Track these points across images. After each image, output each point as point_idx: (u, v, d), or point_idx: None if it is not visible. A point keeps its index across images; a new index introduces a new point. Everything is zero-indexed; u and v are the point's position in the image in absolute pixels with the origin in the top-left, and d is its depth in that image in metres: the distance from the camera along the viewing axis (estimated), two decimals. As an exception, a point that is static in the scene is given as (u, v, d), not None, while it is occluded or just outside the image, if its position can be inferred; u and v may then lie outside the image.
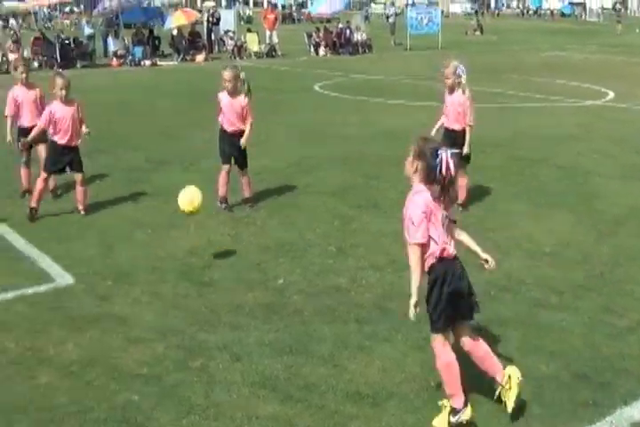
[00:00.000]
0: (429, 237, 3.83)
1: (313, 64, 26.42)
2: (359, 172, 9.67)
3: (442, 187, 3.86)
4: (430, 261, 3.87)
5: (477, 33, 45.34)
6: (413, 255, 3.83)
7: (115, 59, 26.54)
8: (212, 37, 31.50)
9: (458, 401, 3.88)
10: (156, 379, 4.46)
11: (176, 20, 29.23)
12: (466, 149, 7.60)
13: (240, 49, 29.21)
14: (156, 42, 30.20)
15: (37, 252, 6.68)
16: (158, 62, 26.96)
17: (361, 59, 29.08)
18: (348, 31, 32.09)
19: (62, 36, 26.64)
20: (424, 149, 3.88)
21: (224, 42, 30.96)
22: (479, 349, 4.05)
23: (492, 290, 5.68)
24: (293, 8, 72.44)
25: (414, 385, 4.37)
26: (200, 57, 28.18)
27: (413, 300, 3.81)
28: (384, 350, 4.79)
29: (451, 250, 3.88)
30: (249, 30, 30.66)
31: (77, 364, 4.66)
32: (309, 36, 31.77)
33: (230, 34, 30.49)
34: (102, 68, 25.37)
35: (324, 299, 5.63)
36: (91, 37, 28.64)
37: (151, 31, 31.01)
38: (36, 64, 25.30)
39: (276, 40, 30.38)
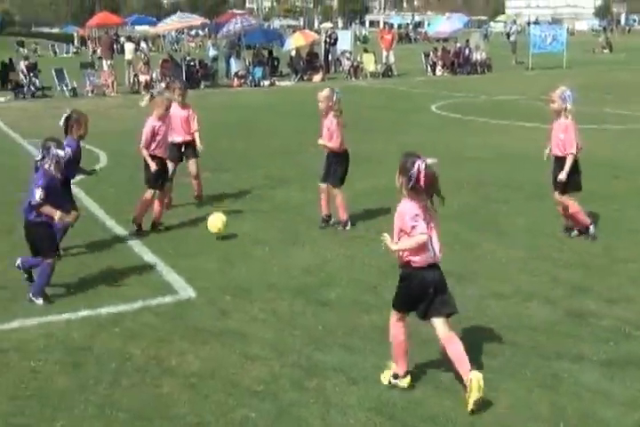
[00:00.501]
0: None
1: (430, 84, 26.32)
2: (480, 195, 9.49)
3: (426, 195, 4.40)
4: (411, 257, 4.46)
5: (606, 51, 43.87)
6: (415, 244, 4.38)
7: (236, 79, 27.42)
8: (330, 58, 32.06)
9: (399, 369, 4.62)
10: (273, 397, 4.54)
11: (295, 42, 29.89)
12: (561, 176, 7.34)
13: (356, 69, 29.52)
14: (275, 62, 31.03)
15: (162, 265, 6.98)
16: (277, 82, 27.66)
17: (480, 78, 28.74)
18: (466, 50, 31.80)
19: (188, 58, 27.81)
20: (404, 164, 4.41)
21: (341, 62, 31.39)
22: (451, 346, 4.48)
23: (627, 327, 5.41)
24: (410, 28, 72.48)
25: (541, 425, 4.20)
26: (317, 77, 28.69)
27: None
28: (509, 386, 4.64)
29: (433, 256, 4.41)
30: (365, 50, 30.93)
31: (197, 376, 4.83)
32: (426, 55, 31.71)
33: (347, 54, 30.87)
34: (224, 89, 26.25)
35: (444, 325, 5.55)
36: (214, 59, 29.76)
37: (270, 52, 31.90)
38: (163, 85, 26.51)
39: (392, 60, 30.49)
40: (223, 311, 5.87)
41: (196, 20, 32.49)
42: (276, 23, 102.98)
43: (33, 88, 24.30)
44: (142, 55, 27.96)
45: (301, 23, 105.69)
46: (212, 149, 12.32)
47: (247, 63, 28.62)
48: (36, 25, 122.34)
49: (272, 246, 7.48)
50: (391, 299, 6.08)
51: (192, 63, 27.48)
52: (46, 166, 5.93)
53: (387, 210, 8.69)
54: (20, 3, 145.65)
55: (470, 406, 4.25)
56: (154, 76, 26.47)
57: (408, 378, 4.61)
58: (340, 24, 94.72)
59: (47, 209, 5.91)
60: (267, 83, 27.10)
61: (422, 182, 4.30)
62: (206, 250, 7.43)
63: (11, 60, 26.94)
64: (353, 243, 7.55)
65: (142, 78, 25.55)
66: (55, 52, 58.61)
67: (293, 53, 29.80)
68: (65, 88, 24.51)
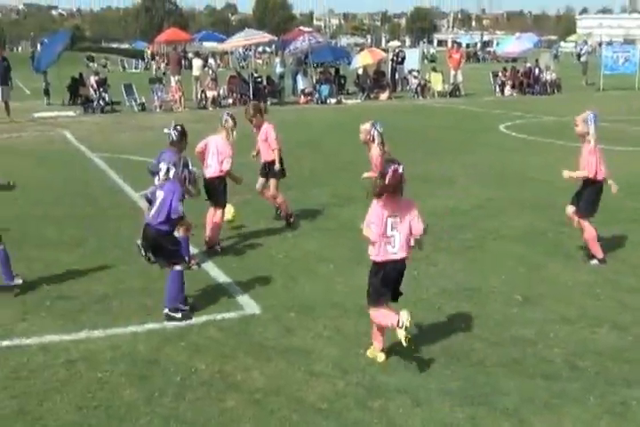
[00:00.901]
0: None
1: (498, 104, 26.04)
2: (548, 218, 9.27)
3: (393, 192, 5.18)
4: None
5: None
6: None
7: (302, 96, 27.66)
8: (397, 76, 32.04)
9: (377, 346, 5.41)
10: (337, 415, 4.51)
11: (362, 60, 30.00)
12: (566, 174, 7.58)
13: (424, 88, 29.42)
14: (342, 80, 31.16)
15: (228, 280, 7.02)
16: (343, 100, 27.78)
17: (550, 99, 28.29)
18: (536, 70, 31.36)
19: (255, 75, 28.16)
20: (383, 169, 5.25)
21: (408, 81, 31.31)
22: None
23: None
24: (478, 47, 72.01)
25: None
26: (384, 95, 28.70)
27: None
28: (574, 411, 4.52)
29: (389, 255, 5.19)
30: (433, 69, 30.83)
31: (262, 392, 4.82)
32: (495, 75, 31.40)
33: (415, 73, 30.80)
34: (290, 106, 26.49)
35: (509, 350, 5.44)
36: (281, 76, 30.10)
37: (337, 70, 32.08)
38: (230, 101, 26.95)
39: (460, 79, 30.29)
40: (288, 328, 5.87)
41: (264, 36, 32.94)
42: (343, 41, 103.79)
43: (102, 103, 24.85)
44: (210, 71, 28.42)
45: (369, 41, 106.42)
46: (294, 167, 12.46)
47: (314, 81, 28.83)
48: (106, 40, 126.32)
49: (337, 265, 7.46)
50: (457, 319, 6.01)
51: (259, 80, 27.81)
52: (178, 180, 6.12)
53: (459, 232, 8.64)
54: (91, 19, 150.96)
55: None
56: (221, 92, 26.91)
57: (383, 355, 5.37)
58: (408, 42, 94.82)
59: (186, 221, 6.72)
60: (333, 101, 27.25)
61: (389, 182, 5.13)
62: (271, 266, 7.45)
63: (81, 74, 27.73)
64: (418, 263, 7.44)
65: (210, 94, 25.97)
66: (124, 68, 60.27)
67: (360, 71, 29.91)
68: (134, 103, 25.10)
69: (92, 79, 25.99)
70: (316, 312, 6.20)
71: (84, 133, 18.73)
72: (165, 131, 7.39)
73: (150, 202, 6.27)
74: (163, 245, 6.16)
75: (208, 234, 8.08)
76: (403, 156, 10.34)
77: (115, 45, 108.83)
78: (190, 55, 49.31)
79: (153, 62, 55.51)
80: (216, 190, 8.09)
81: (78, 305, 6.39)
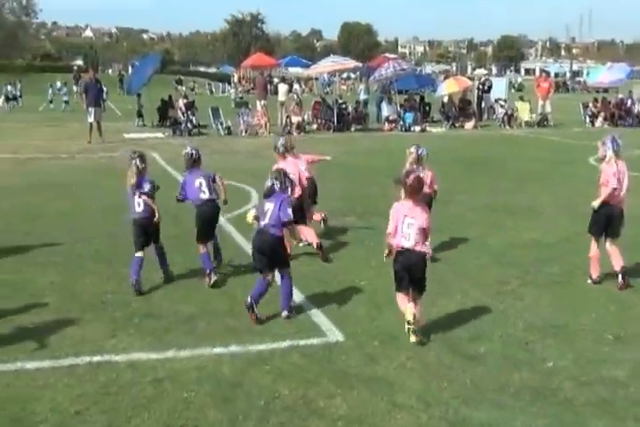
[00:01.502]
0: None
1: (588, 136, 25.35)
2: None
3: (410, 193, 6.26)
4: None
5: None
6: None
7: (386, 123, 27.73)
8: (483, 105, 31.77)
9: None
10: (420, 449, 4.45)
11: (448, 88, 29.90)
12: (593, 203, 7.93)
13: (510, 117, 29.04)
14: (427, 108, 31.13)
15: (311, 306, 7.05)
16: (428, 128, 27.72)
17: (642, 131, 27.47)
18: (628, 102, 30.53)
19: (340, 101, 28.44)
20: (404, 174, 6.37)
21: (494, 110, 31.01)
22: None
23: None
24: (567, 76, 70.71)
25: None
26: (469, 124, 28.48)
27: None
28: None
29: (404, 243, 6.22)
30: (521, 98, 30.42)
31: (344, 420, 4.81)
32: (585, 106, 30.71)
33: (501, 102, 30.47)
34: (374, 132, 26.60)
35: (599, 390, 5.26)
36: (365, 103, 30.30)
37: (422, 98, 32.07)
38: (314, 126, 27.29)
39: (548, 109, 29.77)
40: (371, 357, 5.84)
41: (350, 63, 33.25)
42: (428, 68, 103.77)
43: (190, 125, 25.50)
44: (295, 96, 28.89)
45: (454, 69, 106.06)
46: (361, 193, 12.56)
47: (398, 108, 28.89)
48: (194, 64, 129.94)
49: (421, 294, 7.38)
50: (544, 356, 5.86)
51: (343, 106, 28.07)
52: (288, 191, 6.88)
53: (546, 266, 8.44)
54: (180, 43, 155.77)
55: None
56: (306, 117, 27.27)
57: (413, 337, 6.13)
58: (494, 71, 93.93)
59: (293, 226, 7.56)
60: (418, 128, 27.21)
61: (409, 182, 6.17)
62: (355, 294, 7.45)
63: (170, 97, 28.59)
64: (505, 297, 7.33)
65: (295, 120, 26.34)
66: (211, 91, 61.90)
67: (446, 100, 29.80)
68: (220, 126, 25.66)
69: (181, 102, 26.75)
70: (399, 342, 6.14)
71: (172, 155, 19.18)
72: (188, 150, 8.33)
73: (258, 218, 6.79)
74: (279, 251, 6.76)
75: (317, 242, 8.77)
76: (487, 185, 10.38)
77: (202, 69, 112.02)
78: (276, 80, 50.39)
79: (240, 87, 56.73)
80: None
81: (165, 324, 6.53)
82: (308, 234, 8.90)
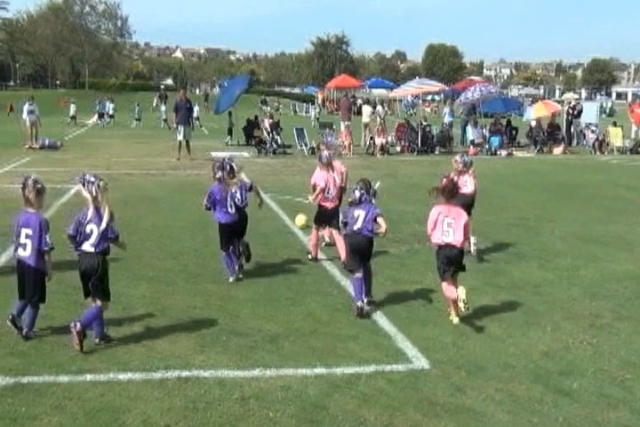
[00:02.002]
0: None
1: (683, 163, 24.54)
2: None
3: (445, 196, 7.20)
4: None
5: None
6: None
7: (472, 147, 27.43)
8: (572, 130, 31.07)
9: (453, 313, 7.27)
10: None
11: (536, 112, 29.40)
12: None
13: (602, 143, 28.27)
14: (513, 132, 30.64)
15: (396, 331, 6.98)
16: (514, 153, 27.26)
17: None
18: None
19: (424, 123, 28.33)
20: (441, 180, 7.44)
21: (584, 135, 30.27)
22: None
23: None
24: (661, 101, 68.40)
25: None
26: (558, 149, 27.86)
27: None
28: None
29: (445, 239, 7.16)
30: (613, 124, 29.58)
31: (431, 452, 4.71)
32: (682, 132, 29.65)
33: (592, 127, 29.72)
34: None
35: None
36: (450, 125, 30.07)
37: (509, 121, 31.61)
38: (398, 149, 27.24)
39: (643, 135, 28.87)
40: (458, 387, 5.72)
41: (435, 85, 33.18)
42: (514, 91, 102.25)
43: (275, 145, 25.88)
44: (378, 118, 28.95)
45: (541, 92, 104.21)
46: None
47: (484, 131, 28.55)
48: (279, 84, 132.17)
49: (509, 324, 7.21)
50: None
51: (428, 128, 27.94)
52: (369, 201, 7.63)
53: (637, 298, 8.13)
54: (266, 64, 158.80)
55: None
56: (389, 139, 27.26)
57: (456, 318, 7.24)
58: (584, 95, 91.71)
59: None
60: (504, 153, 26.80)
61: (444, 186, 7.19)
62: (440, 320, 7.34)
63: (256, 117, 29.13)
64: (599, 331, 7.07)
65: (378, 141, 26.37)
66: (295, 111, 62.65)
67: (533, 124, 29.27)
68: (304, 147, 25.93)
69: (266, 122, 27.22)
70: (487, 373, 6.01)
71: (257, 174, 19.49)
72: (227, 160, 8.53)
73: (346, 223, 7.69)
74: (371, 250, 7.75)
75: (344, 257, 8.64)
76: (577, 214, 10.08)
77: (287, 90, 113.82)
78: (359, 102, 50.67)
79: (323, 108, 57.31)
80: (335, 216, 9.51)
81: (251, 342, 6.59)
82: (341, 245, 9.08)
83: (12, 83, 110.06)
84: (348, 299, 7.97)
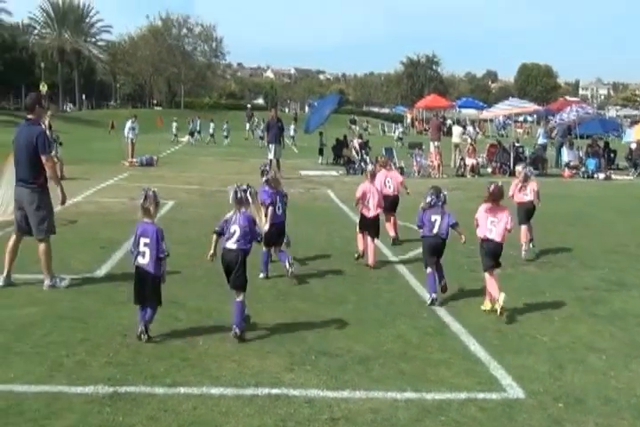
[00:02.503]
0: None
1: None
2: None
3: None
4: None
5: None
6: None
7: (567, 169, 26.69)
8: (676, 153, 29.86)
9: (486, 302, 8.35)
10: None
11: (636, 134, 28.43)
12: None
13: None
14: (612, 155, 29.69)
15: (489, 358, 6.80)
16: (613, 176, 26.37)
17: None
18: None
19: (517, 144, 27.80)
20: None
21: (688, 158, 29.03)
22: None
23: None
24: None
25: None
26: (659, 173, 26.86)
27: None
28: None
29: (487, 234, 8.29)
30: None
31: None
32: None
33: (699, 150, 28.50)
34: (553, 178, 25.67)
35: None
36: (544, 147, 29.40)
37: (607, 143, 30.65)
38: (489, 170, 26.81)
39: None
40: (555, 419, 5.51)
41: (529, 106, 32.57)
42: (612, 112, 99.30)
43: (364, 165, 25.83)
44: (469, 139, 28.60)
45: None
46: (541, 241, 12.10)
47: (580, 153, 27.77)
48: (367, 104, 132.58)
49: (609, 356, 6.91)
50: None
51: (520, 150, 27.41)
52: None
53: None
54: (355, 83, 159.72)
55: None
56: (480, 160, 26.88)
57: (489, 304, 8.30)
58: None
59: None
60: (601, 176, 25.98)
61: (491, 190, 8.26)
62: (535, 349, 7.11)
63: (345, 136, 29.26)
64: None
65: (469, 162, 26.05)
66: (384, 131, 62.70)
67: (634, 146, 28.28)
68: (393, 167, 25.82)
69: (355, 141, 27.32)
70: (586, 406, 5.76)
71: (346, 193, 19.54)
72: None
73: (420, 226, 8.82)
74: (443, 249, 8.80)
75: (371, 261, 10.39)
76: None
77: (376, 109, 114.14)
78: (449, 122, 50.27)
79: (412, 128, 57.17)
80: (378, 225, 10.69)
81: (341, 363, 6.55)
82: (371, 250, 10.46)
83: (112, 102, 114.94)
84: (439, 323, 7.85)
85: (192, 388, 5.85)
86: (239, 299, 7.17)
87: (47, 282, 8.84)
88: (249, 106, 66.11)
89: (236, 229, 7.16)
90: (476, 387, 6.09)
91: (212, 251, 7.42)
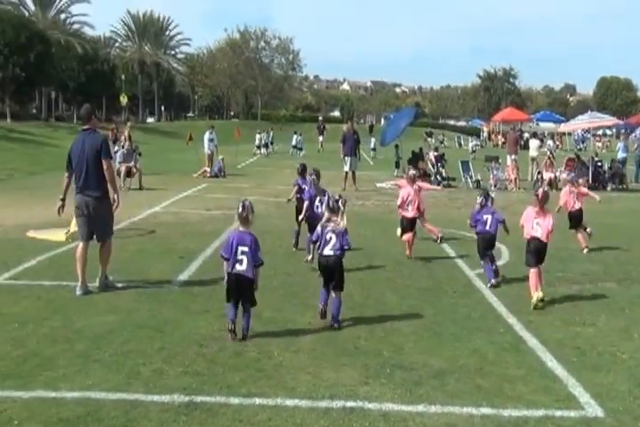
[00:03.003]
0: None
1: None
2: None
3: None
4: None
5: None
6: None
7: (647, 184, 25.94)
8: None
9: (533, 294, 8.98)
10: None
11: None
12: None
13: None
14: (698, 170, 28.68)
15: (566, 375, 6.67)
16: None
17: None
18: None
19: (595, 159, 27.14)
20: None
21: None
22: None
23: None
24: None
25: None
26: None
27: None
28: None
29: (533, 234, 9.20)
30: None
31: None
32: None
33: None
34: (633, 193, 24.95)
35: None
36: (623, 161, 28.60)
37: (689, 157, 29.62)
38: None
39: None
40: (636, 440, 5.37)
41: (608, 120, 31.75)
42: None
43: (439, 177, 25.76)
44: (547, 152, 28.07)
45: None
46: (620, 257, 11.80)
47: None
48: (443, 117, 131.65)
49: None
50: None
51: (599, 164, 26.76)
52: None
53: None
54: (431, 96, 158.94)
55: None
56: (558, 174, 26.35)
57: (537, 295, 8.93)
58: None
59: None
60: (684, 191, 25.13)
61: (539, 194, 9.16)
62: (614, 366, 6.94)
63: (421, 149, 29.14)
64: None
65: (546, 176, 25.57)
66: (460, 144, 62.10)
67: None
68: (469, 180, 25.61)
69: (431, 154, 27.19)
70: (668, 427, 5.60)
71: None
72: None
73: (474, 225, 10.48)
74: (494, 242, 10.46)
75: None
76: None
77: (452, 122, 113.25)
78: (526, 135, 49.44)
79: (489, 141, 56.46)
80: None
81: (416, 377, 6.53)
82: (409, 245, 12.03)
83: (190, 113, 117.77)
84: (515, 338, 7.75)
85: (267, 399, 5.91)
86: (339, 298, 8.02)
87: (102, 280, 9.38)
88: (320, 118, 66.34)
89: (332, 236, 7.91)
90: (554, 404, 5.99)
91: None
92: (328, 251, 7.90)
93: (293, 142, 45.12)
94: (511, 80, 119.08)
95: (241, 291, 7.42)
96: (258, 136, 44.61)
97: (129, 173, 22.45)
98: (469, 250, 11.84)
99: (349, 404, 5.87)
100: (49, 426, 5.32)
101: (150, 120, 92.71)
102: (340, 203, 7.99)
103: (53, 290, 9.20)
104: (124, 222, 14.72)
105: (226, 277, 7.49)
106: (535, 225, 9.10)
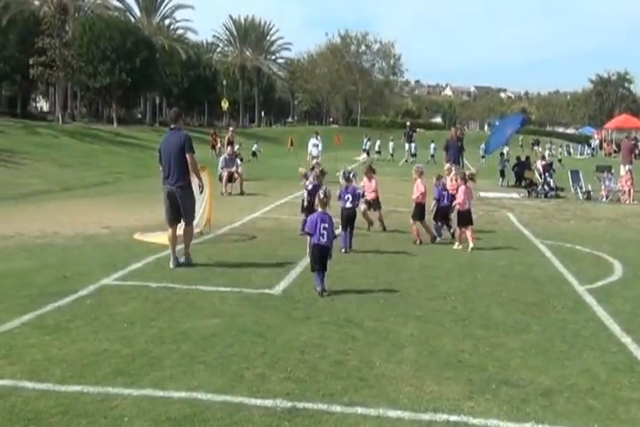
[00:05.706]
0: None
1: None
2: None
3: None
4: None
5: None
6: None
7: None
8: None
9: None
10: None
11: None
12: None
13: None
14: None
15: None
16: None
17: None
18: None
19: None
20: None
21: None
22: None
23: None
24: None
25: None
26: None
27: None
28: None
29: None
30: None
31: None
32: None
33: None
34: None
35: None
36: None
37: None
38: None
39: None
40: None
41: None
42: None
43: (547, 188, 24.93)
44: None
45: None
46: None
47: None
48: (551, 124, 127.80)
49: None
50: None
51: None
52: None
53: None
54: (538, 102, 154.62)
55: None
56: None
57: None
58: None
59: None
60: None
61: None
62: None
63: (527, 157, 28.34)
64: None
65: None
66: (569, 153, 60.22)
67: None
68: (579, 190, 24.72)
69: (539, 163, 26.41)
70: None
71: (527, 217, 18.98)
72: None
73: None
74: None
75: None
76: None
77: (560, 129, 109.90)
78: (640, 144, 47.35)
79: (600, 150, 54.47)
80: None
81: (523, 394, 6.29)
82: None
83: (290, 119, 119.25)
84: (629, 358, 7.37)
85: (369, 409, 5.84)
86: (352, 234, 12.53)
87: (182, 259, 11.03)
88: (408, 123, 56.64)
89: (349, 196, 12.86)
90: None
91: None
92: (348, 204, 12.74)
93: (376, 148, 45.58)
94: (626, 85, 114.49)
95: (323, 256, 9.32)
96: (365, 140, 45.09)
97: (230, 179, 22.83)
98: (580, 264, 11.39)
99: (453, 418, 5.72)
100: (158, 424, 5.44)
101: (254, 125, 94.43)
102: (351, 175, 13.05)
103: (160, 291, 9.47)
104: (225, 228, 15.02)
105: (309, 250, 9.53)
106: None
